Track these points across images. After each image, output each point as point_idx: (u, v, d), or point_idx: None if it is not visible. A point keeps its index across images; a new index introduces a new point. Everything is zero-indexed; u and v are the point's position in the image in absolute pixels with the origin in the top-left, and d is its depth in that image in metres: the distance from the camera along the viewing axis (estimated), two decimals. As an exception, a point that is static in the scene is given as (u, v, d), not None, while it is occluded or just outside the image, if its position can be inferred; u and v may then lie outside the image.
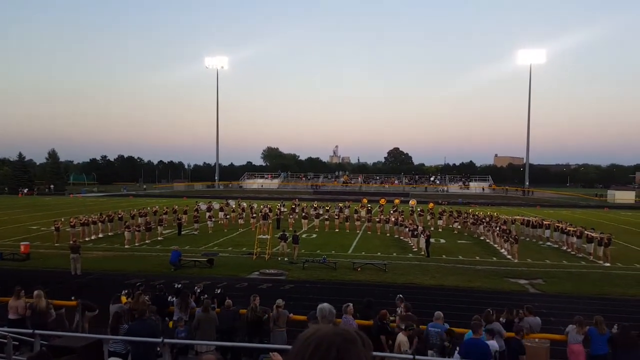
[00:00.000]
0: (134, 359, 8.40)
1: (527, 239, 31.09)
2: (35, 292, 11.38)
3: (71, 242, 21.68)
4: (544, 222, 31.64)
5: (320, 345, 1.29)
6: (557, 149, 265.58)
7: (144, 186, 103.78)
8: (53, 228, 28.70)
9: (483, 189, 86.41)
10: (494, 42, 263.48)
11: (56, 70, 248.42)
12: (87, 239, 28.53)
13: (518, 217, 37.97)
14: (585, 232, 26.13)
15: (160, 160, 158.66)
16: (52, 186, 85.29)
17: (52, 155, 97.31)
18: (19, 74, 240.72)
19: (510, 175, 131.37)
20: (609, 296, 17.77)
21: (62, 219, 31.72)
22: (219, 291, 13.72)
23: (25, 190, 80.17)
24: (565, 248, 27.55)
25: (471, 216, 36.24)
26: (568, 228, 27.92)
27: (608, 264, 23.47)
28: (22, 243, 24.30)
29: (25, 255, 23.17)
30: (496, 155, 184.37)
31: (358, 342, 1.32)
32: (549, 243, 29.60)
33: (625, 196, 77.79)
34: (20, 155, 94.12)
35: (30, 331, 8.52)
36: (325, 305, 7.01)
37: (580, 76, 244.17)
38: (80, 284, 18.46)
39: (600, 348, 9.67)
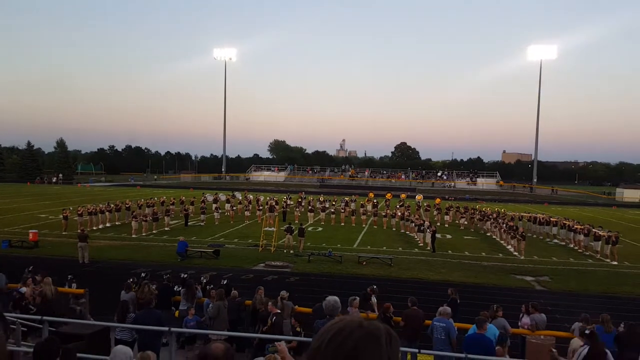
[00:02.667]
0: (140, 347, 8.47)
1: (534, 236, 30.95)
2: (44, 279, 11.52)
3: (79, 230, 21.85)
4: (551, 220, 31.47)
5: (339, 334, 1.24)
6: (565, 146, 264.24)
7: (155, 177, 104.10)
8: (61, 216, 28.97)
9: (502, 184, 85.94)
10: (504, 37, 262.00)
11: (65, 60, 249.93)
12: (94, 228, 28.74)
13: (525, 213, 37.78)
14: (593, 230, 25.98)
15: (168, 151, 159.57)
16: (60, 175, 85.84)
17: (61, 144, 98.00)
18: (28, 64, 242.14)
19: (518, 171, 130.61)
20: (615, 294, 17.70)
21: (70, 208, 31.96)
22: (224, 282, 13.79)
23: (54, 180, 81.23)
24: (572, 246, 27.42)
25: (478, 212, 36.11)
26: (575, 226, 27.77)
27: (615, 263, 23.34)
28: (30, 231, 24.55)
29: (33, 242, 23.39)
30: (504, 152, 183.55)
31: (382, 339, 1.25)
32: (555, 240, 29.45)
33: (634, 195, 76.95)
34: (29, 144, 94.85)
35: (39, 317, 8.62)
36: (331, 298, 7.04)
37: (591, 72, 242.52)
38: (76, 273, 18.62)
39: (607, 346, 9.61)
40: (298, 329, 9.68)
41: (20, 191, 59.22)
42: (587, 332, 8.25)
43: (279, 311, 10.16)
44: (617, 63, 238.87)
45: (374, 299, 12.44)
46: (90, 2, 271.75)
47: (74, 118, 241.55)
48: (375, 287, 13.26)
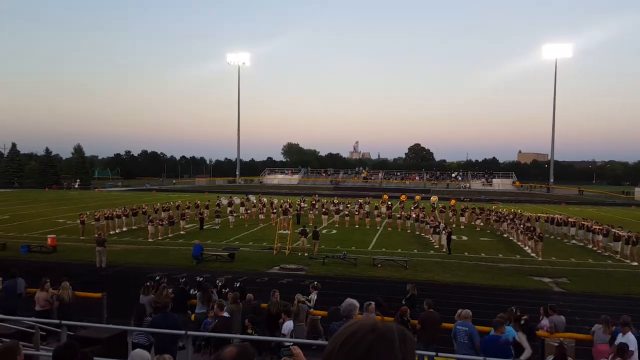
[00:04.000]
0: (157, 351, 8.51)
1: (552, 237, 30.52)
2: (62, 284, 11.65)
3: (96, 235, 22.10)
4: (569, 220, 31.02)
5: (352, 337, 1.23)
6: (582, 145, 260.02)
7: (174, 181, 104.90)
8: (78, 221, 29.32)
9: (522, 185, 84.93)
10: (519, 36, 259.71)
11: (81, 67, 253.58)
12: (111, 232, 29.05)
13: (542, 214, 37.29)
14: (612, 230, 25.54)
15: (183, 156, 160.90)
16: (78, 180, 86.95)
17: (78, 150, 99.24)
18: (46, 72, 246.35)
19: (534, 171, 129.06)
20: (636, 296, 17.34)
21: (87, 213, 32.35)
22: (238, 285, 13.85)
23: (76, 185, 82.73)
24: (591, 246, 26.98)
25: (494, 213, 35.74)
26: (594, 226, 27.32)
27: (635, 263, 22.92)
28: (49, 236, 24.89)
29: (52, 247, 23.73)
30: (520, 152, 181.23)
31: (395, 341, 1.24)
32: (574, 241, 29.01)
33: (654, 194, 75.48)
34: (47, 150, 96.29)
35: (57, 321, 8.71)
36: (348, 300, 7.03)
37: (607, 71, 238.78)
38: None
39: (628, 349, 9.42)
40: (250, 331, 9.68)
41: (39, 197, 60.15)
42: (556, 343, 8.90)
43: (225, 314, 10.22)
44: (633, 60, 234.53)
45: (313, 296, 12.47)
46: (105, 8, 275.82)
47: (90, 124, 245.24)
48: (316, 282, 13.43)
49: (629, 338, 8.91)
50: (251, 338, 9.28)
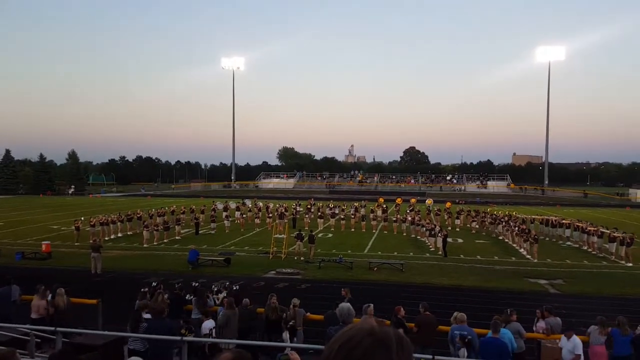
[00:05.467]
0: (152, 357, 8.47)
1: (547, 239, 30.62)
2: (57, 290, 11.59)
3: (91, 241, 22.01)
4: (564, 222, 31.15)
5: (348, 343, 1.22)
6: (576, 147, 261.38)
7: (172, 186, 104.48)
8: (73, 227, 29.21)
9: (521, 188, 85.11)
10: (512, 39, 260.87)
11: (75, 72, 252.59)
12: (106, 238, 28.93)
13: (537, 216, 37.42)
14: (608, 231, 25.64)
15: (178, 161, 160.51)
16: (73, 186, 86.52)
17: (72, 156, 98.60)
18: (39, 76, 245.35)
19: (529, 174, 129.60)
20: (631, 297, 17.40)
21: (82, 219, 32.19)
22: (236, 288, 13.83)
23: (70, 191, 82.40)
24: (585, 248, 27.09)
25: (489, 215, 35.83)
26: (589, 228, 27.44)
27: (630, 264, 23.02)
28: (43, 242, 24.77)
29: (46, 254, 23.59)
30: (514, 154, 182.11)
31: (392, 346, 1.22)
32: (569, 243, 29.12)
33: (647, 195, 76.01)
34: (41, 156, 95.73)
35: (52, 329, 8.66)
36: (344, 304, 7.02)
37: (601, 73, 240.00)
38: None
39: (623, 349, 9.48)
40: (183, 331, 9.71)
41: (33, 203, 59.82)
42: (549, 344, 9.63)
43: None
44: (626, 63, 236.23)
45: (222, 295, 12.87)
46: (100, 14, 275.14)
47: (85, 130, 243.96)
48: (228, 283, 14.00)
49: (575, 341, 9.18)
50: (314, 347, 9.21)
